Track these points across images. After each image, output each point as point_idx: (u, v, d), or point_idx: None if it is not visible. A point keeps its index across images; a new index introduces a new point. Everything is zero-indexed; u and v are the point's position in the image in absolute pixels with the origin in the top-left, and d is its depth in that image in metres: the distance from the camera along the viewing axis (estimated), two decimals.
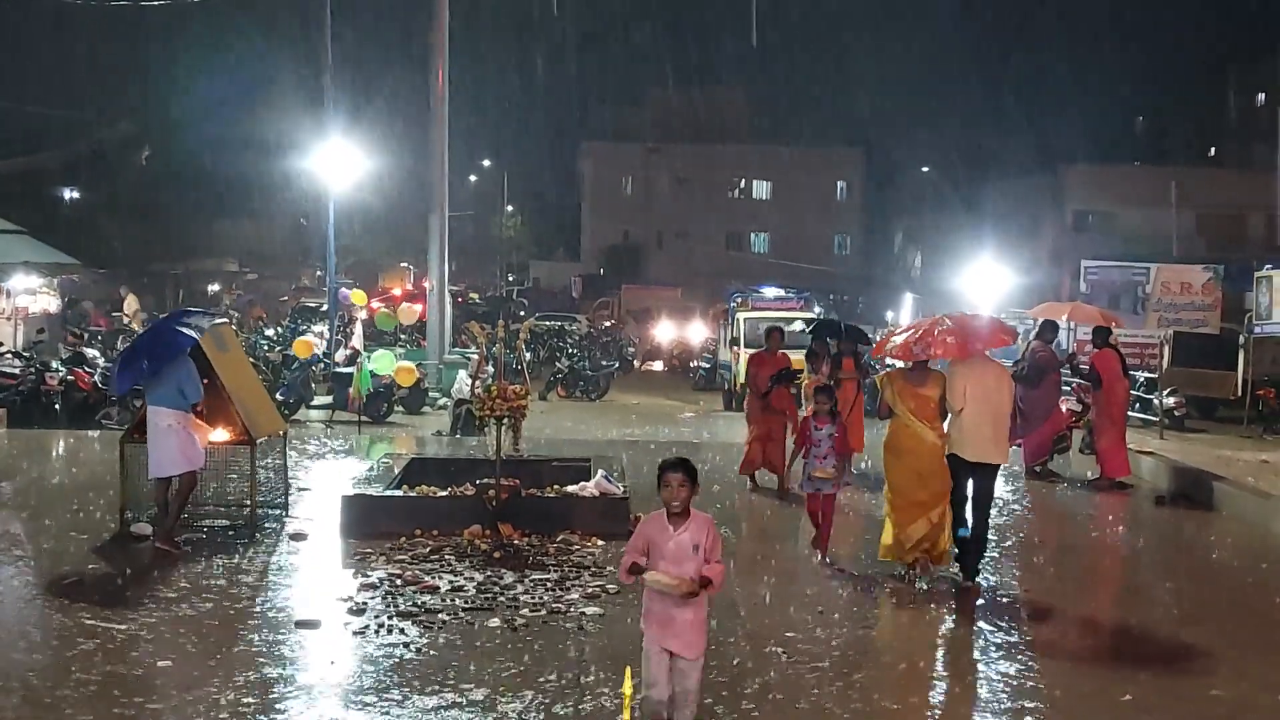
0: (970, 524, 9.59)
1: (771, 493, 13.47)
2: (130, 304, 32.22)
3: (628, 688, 6.13)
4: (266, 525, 11.00)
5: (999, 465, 9.69)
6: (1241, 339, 23.99)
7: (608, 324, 45.61)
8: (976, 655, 7.83)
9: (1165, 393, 21.41)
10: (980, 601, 9.11)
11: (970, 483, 9.58)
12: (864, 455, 15.06)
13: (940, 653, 7.94)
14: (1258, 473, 14.41)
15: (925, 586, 9.33)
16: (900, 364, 10.23)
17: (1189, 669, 7.52)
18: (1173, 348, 23.42)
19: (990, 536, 10.27)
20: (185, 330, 10.30)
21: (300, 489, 12.80)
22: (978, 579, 9.48)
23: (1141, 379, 22.56)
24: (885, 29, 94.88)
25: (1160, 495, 13.93)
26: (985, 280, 32.77)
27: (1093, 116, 65.38)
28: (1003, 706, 6.84)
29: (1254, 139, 58.39)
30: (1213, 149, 61.61)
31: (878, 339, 15.61)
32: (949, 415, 9.54)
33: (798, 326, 23.78)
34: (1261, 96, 59.17)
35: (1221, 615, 8.87)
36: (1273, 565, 10.48)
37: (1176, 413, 21.75)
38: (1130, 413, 17.90)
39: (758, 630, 7.98)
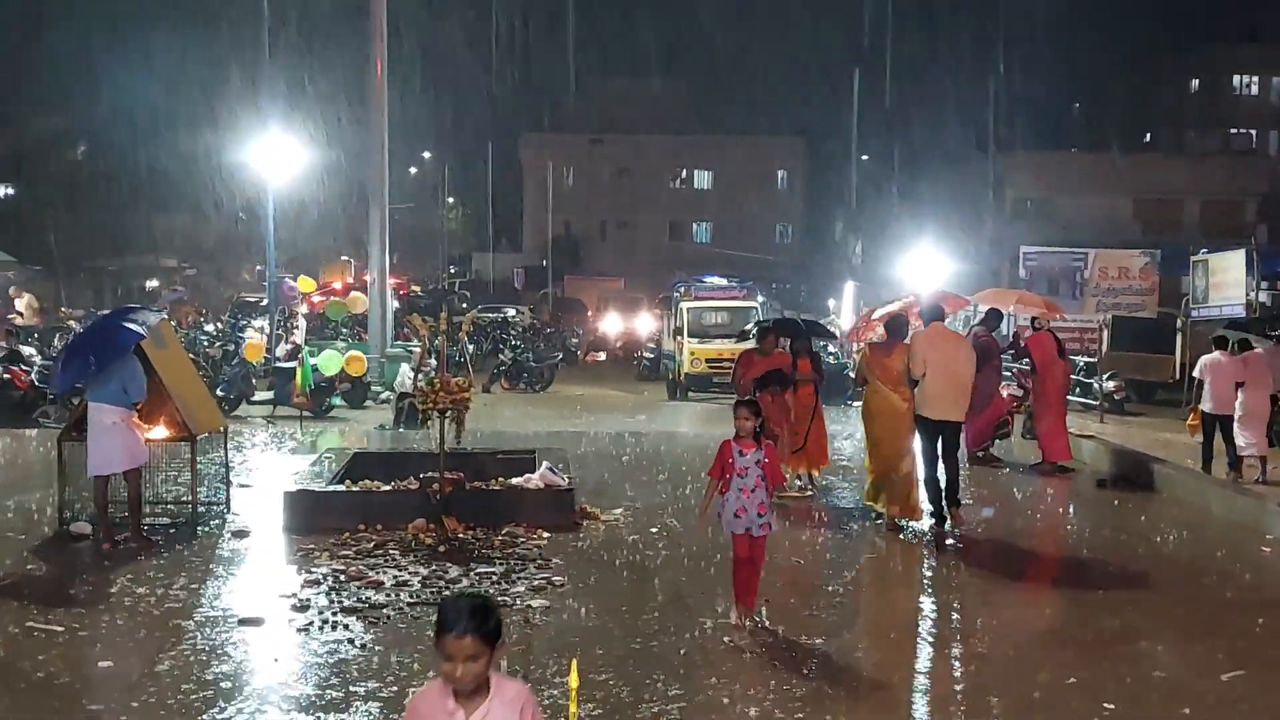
0: (944, 474, 11.14)
1: None
2: (26, 303, 31.57)
3: (574, 680, 6.09)
4: (208, 523, 10.85)
5: (960, 422, 11.42)
6: (1179, 323, 24.38)
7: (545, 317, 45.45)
8: (919, 644, 7.88)
9: (1105, 377, 21.73)
10: (922, 586, 9.19)
11: (939, 441, 11.08)
12: (826, 470, 13.45)
13: (879, 641, 7.98)
14: (1196, 455, 14.67)
15: (904, 529, 10.90)
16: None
17: (1132, 651, 7.61)
18: (1111, 332, 23.74)
19: (931, 521, 11.19)
20: (131, 327, 10.16)
21: (242, 485, 12.64)
22: (959, 509, 11.21)
23: (1081, 363, 22.87)
24: (824, 17, 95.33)
25: (1101, 478, 14.09)
26: (925, 267, 32.98)
27: (1030, 104, 66.01)
28: (949, 692, 6.89)
29: (1189, 125, 59.40)
30: (1148, 135, 62.52)
31: (841, 329, 15.30)
32: (915, 382, 10.98)
33: (750, 326, 23.93)
34: (1195, 83, 60.13)
35: (1163, 597, 8.98)
36: (1212, 547, 10.65)
37: (1116, 396, 22.09)
38: (1071, 397, 18.14)
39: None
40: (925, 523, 11.13)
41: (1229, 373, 14.21)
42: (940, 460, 11.14)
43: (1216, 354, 14.52)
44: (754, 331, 15.95)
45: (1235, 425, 14.14)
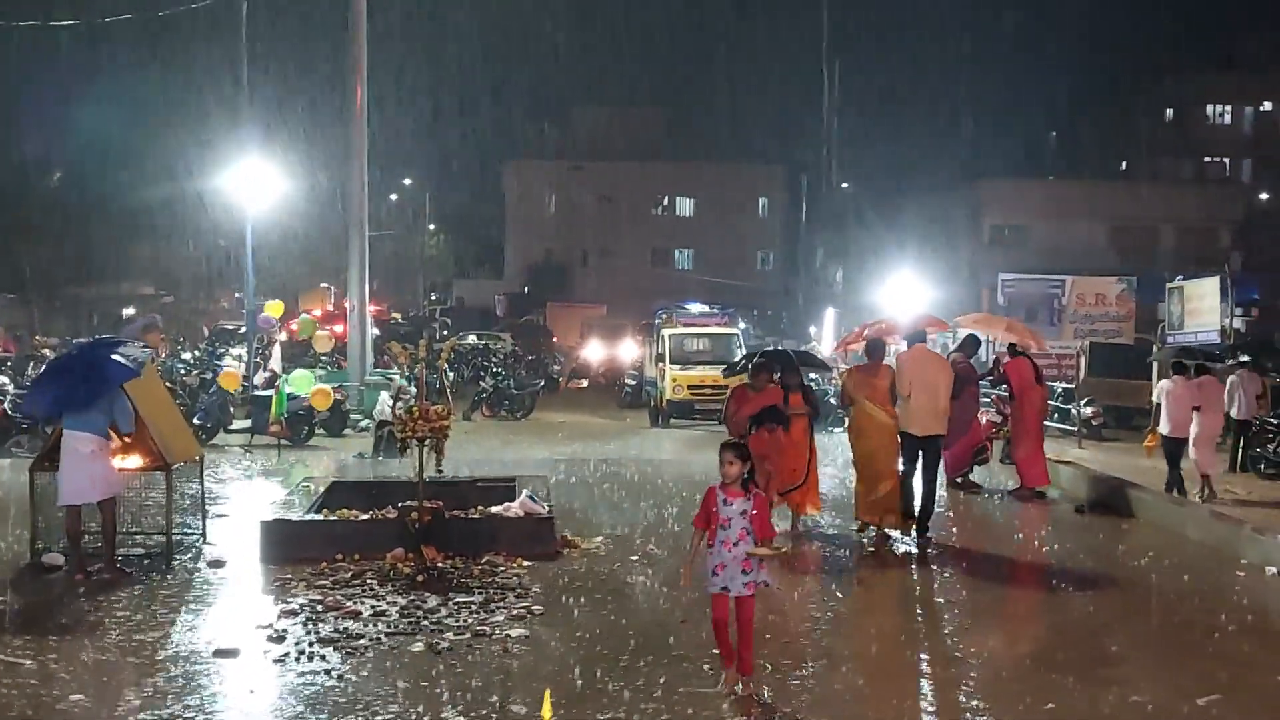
0: (920, 493, 11.87)
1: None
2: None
3: (547, 712, 6.08)
4: (183, 553, 10.76)
5: (941, 436, 12.17)
6: (1155, 349, 24.53)
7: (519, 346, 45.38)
8: (900, 667, 7.87)
9: (1083, 403, 21.83)
10: (901, 612, 9.18)
11: (921, 456, 11.92)
12: (822, 513, 12.91)
13: (863, 667, 7.96)
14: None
15: (894, 542, 11.55)
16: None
17: (1110, 676, 7.61)
18: (1089, 358, 23.88)
19: (912, 548, 11.38)
20: (122, 362, 10.10)
21: (218, 515, 12.56)
22: (927, 534, 11.79)
23: (1060, 389, 22.98)
24: (804, 46, 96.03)
25: (1079, 504, 14.14)
26: (904, 294, 33.17)
27: (1007, 132, 66.60)
28: (915, 710, 6.88)
29: (1163, 153, 59.91)
30: (1124, 163, 63.04)
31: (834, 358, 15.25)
32: (899, 400, 11.76)
33: (736, 354, 24.09)
34: (1169, 112, 60.68)
35: (1141, 622, 9.00)
36: (1189, 572, 10.67)
37: (1094, 422, 22.20)
38: (1049, 422, 18.21)
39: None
40: (910, 538, 11.82)
41: (1186, 397, 14.85)
42: (921, 475, 11.98)
43: (1174, 379, 15.20)
44: (743, 365, 15.48)
45: (1190, 446, 14.82)
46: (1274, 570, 10.52)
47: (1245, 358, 21.48)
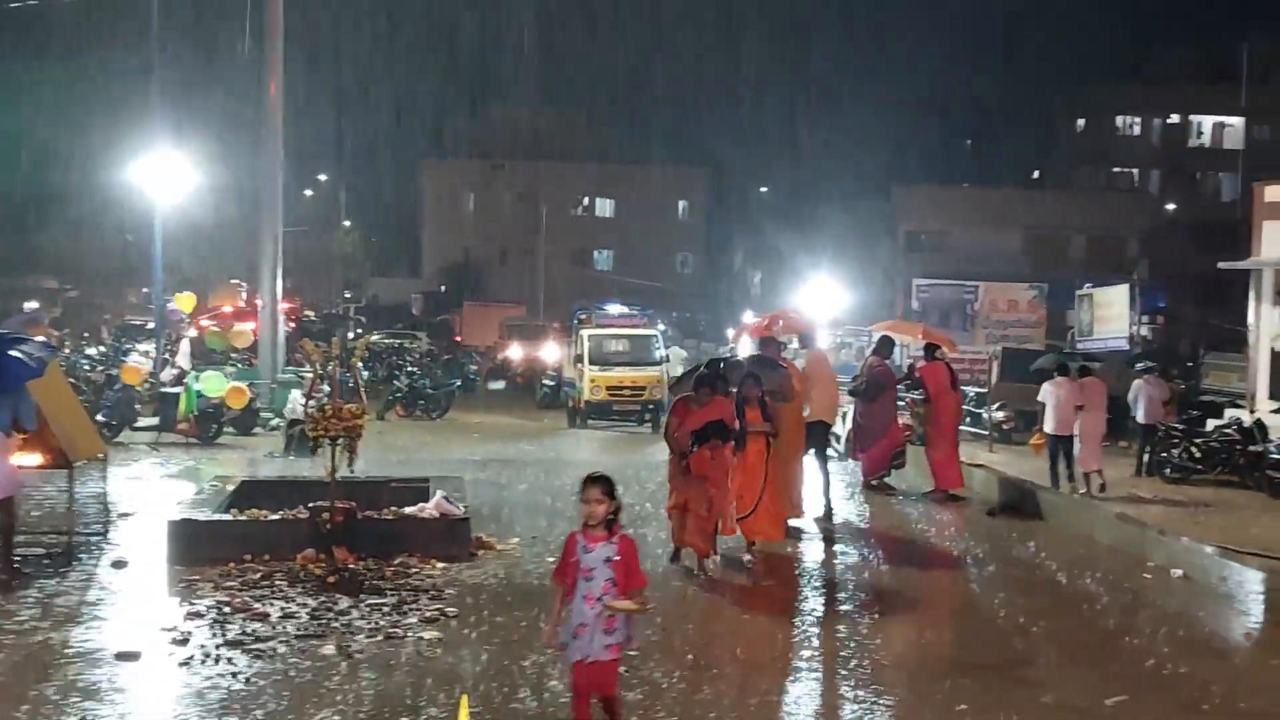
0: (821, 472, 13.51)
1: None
2: None
3: (464, 715, 5.97)
4: (85, 553, 10.44)
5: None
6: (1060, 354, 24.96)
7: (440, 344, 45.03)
8: (812, 667, 7.87)
9: (994, 407, 22.16)
10: (816, 614, 9.20)
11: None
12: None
13: (774, 666, 7.94)
14: (1080, 482, 15.06)
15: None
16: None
17: (1021, 677, 7.69)
18: (1001, 364, 24.23)
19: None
20: (25, 360, 9.73)
21: (122, 514, 12.20)
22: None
23: (972, 394, 23.29)
24: (727, 54, 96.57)
25: (991, 507, 14.31)
26: (822, 298, 33.42)
27: (925, 139, 67.64)
28: (834, 713, 6.88)
29: (1076, 162, 61.24)
30: (1037, 171, 64.26)
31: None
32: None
33: (656, 355, 24.17)
34: (1081, 122, 62.00)
35: (1050, 623, 9.10)
36: (1098, 574, 10.84)
37: (1005, 426, 22.52)
38: (961, 426, 18.42)
39: None
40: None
41: (1069, 397, 15.61)
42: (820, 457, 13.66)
43: (1058, 380, 16.01)
44: (683, 375, 13.20)
45: (1075, 443, 15.61)
46: (1179, 573, 10.73)
47: (1150, 364, 22.00)
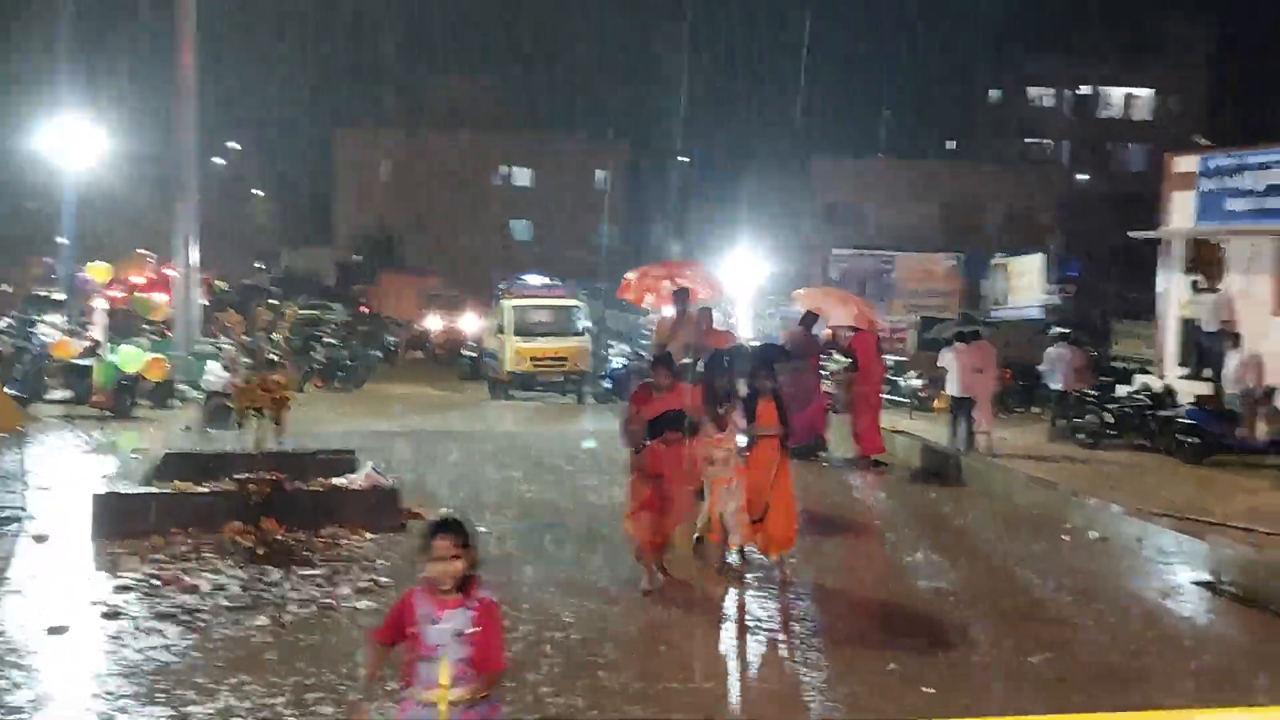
0: None
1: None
2: None
3: None
4: (4, 528, 10.21)
5: None
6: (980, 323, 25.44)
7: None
8: (744, 630, 7.98)
9: (913, 375, 22.53)
10: (746, 577, 9.30)
11: None
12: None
13: (708, 631, 8.04)
14: (998, 447, 15.39)
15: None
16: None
17: (949, 639, 7.88)
18: (919, 332, 24.63)
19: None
20: None
21: (40, 488, 11.94)
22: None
23: (890, 362, 23.63)
24: (648, 20, 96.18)
25: (914, 472, 14.60)
26: (743, 269, 33.62)
27: (844, 110, 67.98)
28: (769, 678, 7.00)
29: (991, 134, 62.08)
30: (953, 143, 64.99)
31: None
32: None
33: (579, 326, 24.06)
34: (995, 94, 62.83)
35: (976, 586, 9.33)
36: (1018, 536, 11.12)
37: (922, 394, 22.90)
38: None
39: None
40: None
41: (968, 362, 16.36)
42: None
43: (956, 346, 16.75)
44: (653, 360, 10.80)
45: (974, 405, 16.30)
46: (1095, 534, 11.04)
47: (1065, 331, 22.51)
